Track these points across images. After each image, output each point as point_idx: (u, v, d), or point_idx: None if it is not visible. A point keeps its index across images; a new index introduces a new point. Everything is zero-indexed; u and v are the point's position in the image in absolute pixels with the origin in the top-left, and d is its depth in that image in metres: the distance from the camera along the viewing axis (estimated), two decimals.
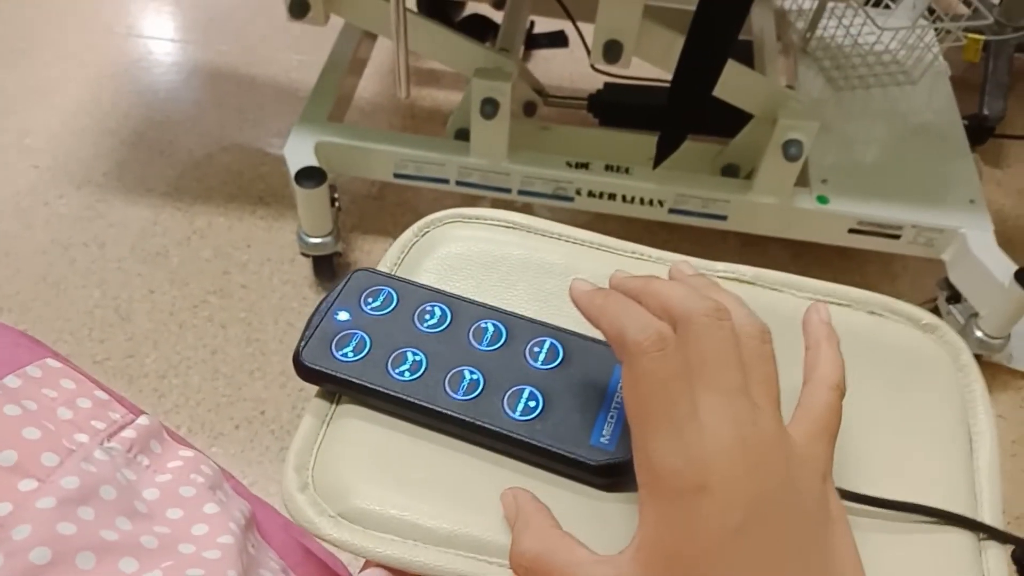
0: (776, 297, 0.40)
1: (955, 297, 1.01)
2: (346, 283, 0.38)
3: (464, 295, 0.38)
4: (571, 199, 1.05)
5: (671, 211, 1.03)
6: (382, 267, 0.40)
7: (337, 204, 1.05)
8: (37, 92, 1.33)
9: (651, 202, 1.03)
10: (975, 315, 0.98)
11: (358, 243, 1.15)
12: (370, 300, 0.37)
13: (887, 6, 1.22)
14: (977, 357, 1.03)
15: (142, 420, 0.36)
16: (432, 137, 1.04)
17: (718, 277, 0.40)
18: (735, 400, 0.27)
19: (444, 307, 0.37)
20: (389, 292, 0.37)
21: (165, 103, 1.33)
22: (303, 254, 1.08)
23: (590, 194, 1.04)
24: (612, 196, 1.03)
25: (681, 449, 0.27)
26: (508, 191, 1.05)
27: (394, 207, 1.20)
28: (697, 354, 0.28)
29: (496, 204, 1.20)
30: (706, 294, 0.30)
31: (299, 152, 1.00)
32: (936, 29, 1.10)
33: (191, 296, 1.07)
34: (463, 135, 1.04)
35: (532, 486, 0.33)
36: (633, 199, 1.03)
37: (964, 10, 1.46)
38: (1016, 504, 0.97)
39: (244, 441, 0.95)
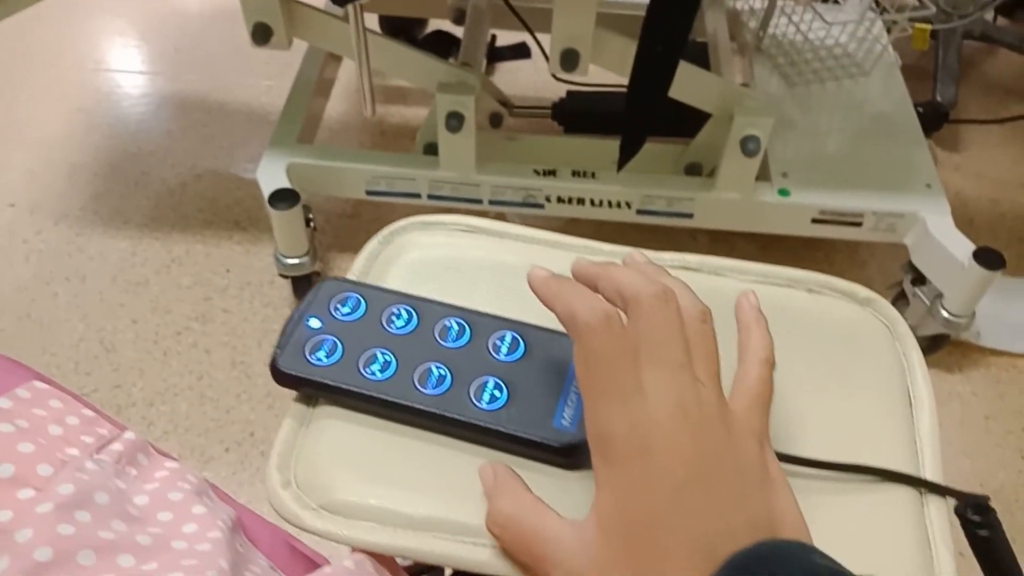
0: (719, 282, 0.42)
1: (920, 279, 1.04)
2: (316, 292, 0.40)
3: (429, 297, 0.40)
4: (541, 206, 1.07)
5: (639, 212, 1.06)
6: (351, 275, 0.42)
7: (312, 224, 1.07)
8: (11, 129, 1.34)
9: (619, 204, 1.05)
10: (940, 295, 1.01)
11: (336, 262, 1.17)
12: (339, 306, 0.39)
13: (836, 1, 1.26)
14: (946, 336, 1.06)
15: (128, 435, 0.37)
16: (401, 153, 1.06)
17: (667, 266, 0.42)
18: (678, 373, 0.30)
19: (410, 309, 0.39)
20: (357, 298, 0.39)
21: (136, 135, 1.34)
22: (282, 275, 1.09)
23: (559, 200, 1.06)
24: (581, 201, 1.06)
25: (627, 416, 0.29)
26: (480, 202, 1.08)
27: (369, 223, 1.22)
28: (644, 332, 0.30)
29: (469, 214, 1.22)
30: (655, 279, 0.32)
31: (271, 175, 1.02)
32: (884, 21, 1.14)
33: (174, 323, 1.08)
34: (432, 149, 1.07)
35: None
36: (601, 202, 1.06)
37: (910, 0, 1.50)
38: (991, 478, 1.00)
39: (235, 463, 0.96)
